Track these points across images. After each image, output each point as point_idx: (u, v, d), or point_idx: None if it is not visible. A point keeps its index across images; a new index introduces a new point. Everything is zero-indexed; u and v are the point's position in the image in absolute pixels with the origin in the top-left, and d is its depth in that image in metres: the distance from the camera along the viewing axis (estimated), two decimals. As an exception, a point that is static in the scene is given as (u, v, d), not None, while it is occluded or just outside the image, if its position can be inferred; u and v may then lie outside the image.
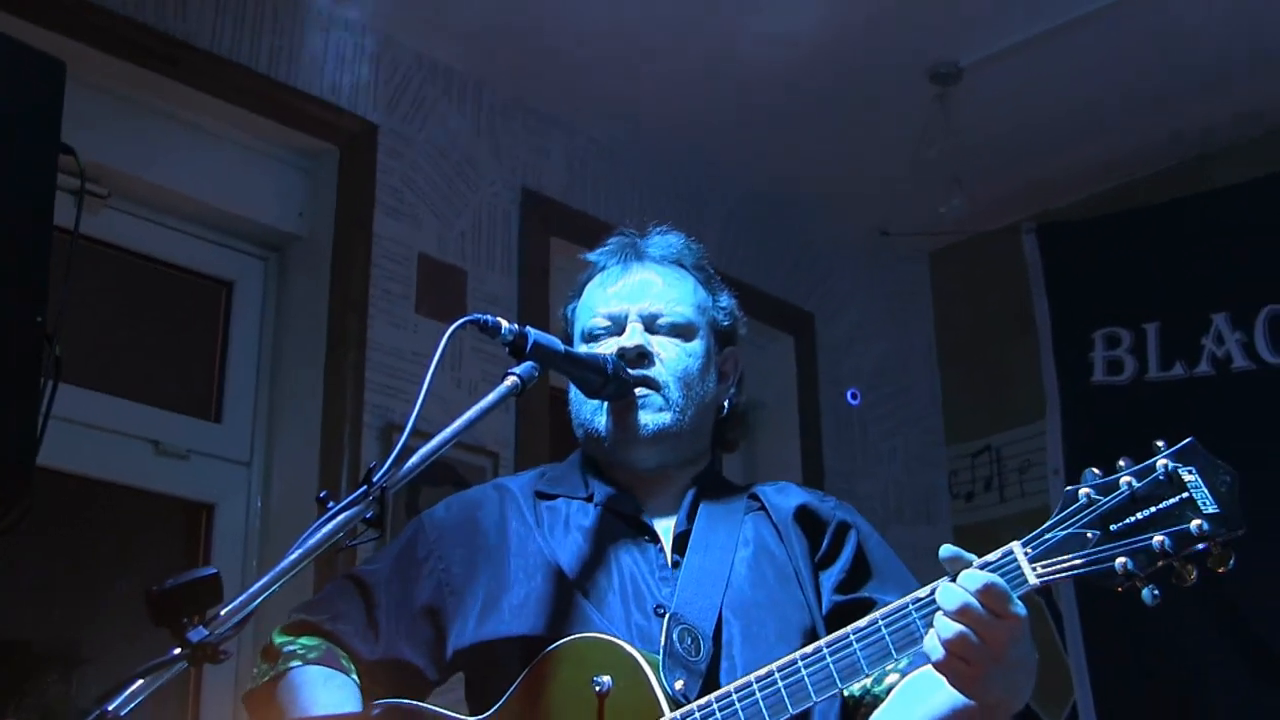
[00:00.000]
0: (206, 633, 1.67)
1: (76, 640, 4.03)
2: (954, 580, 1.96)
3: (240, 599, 1.75)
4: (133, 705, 1.59)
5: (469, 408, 4.37)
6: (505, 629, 2.35)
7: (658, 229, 2.74)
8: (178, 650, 1.68)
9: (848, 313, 6.39)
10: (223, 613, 1.72)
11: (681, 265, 2.68)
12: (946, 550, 2.00)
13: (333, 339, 4.40)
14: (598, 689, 2.16)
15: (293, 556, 1.83)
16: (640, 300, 2.58)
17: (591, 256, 2.73)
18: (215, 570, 1.69)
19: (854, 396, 6.24)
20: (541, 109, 5.24)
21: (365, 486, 1.96)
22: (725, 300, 2.72)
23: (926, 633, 1.98)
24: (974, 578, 1.93)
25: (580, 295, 2.69)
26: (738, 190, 5.84)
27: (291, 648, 2.36)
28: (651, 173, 5.63)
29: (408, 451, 2.07)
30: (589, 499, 2.55)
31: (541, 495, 2.58)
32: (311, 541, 1.86)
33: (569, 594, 2.36)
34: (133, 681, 1.62)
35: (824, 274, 6.33)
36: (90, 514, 4.15)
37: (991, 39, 4.99)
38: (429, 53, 4.89)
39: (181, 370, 4.43)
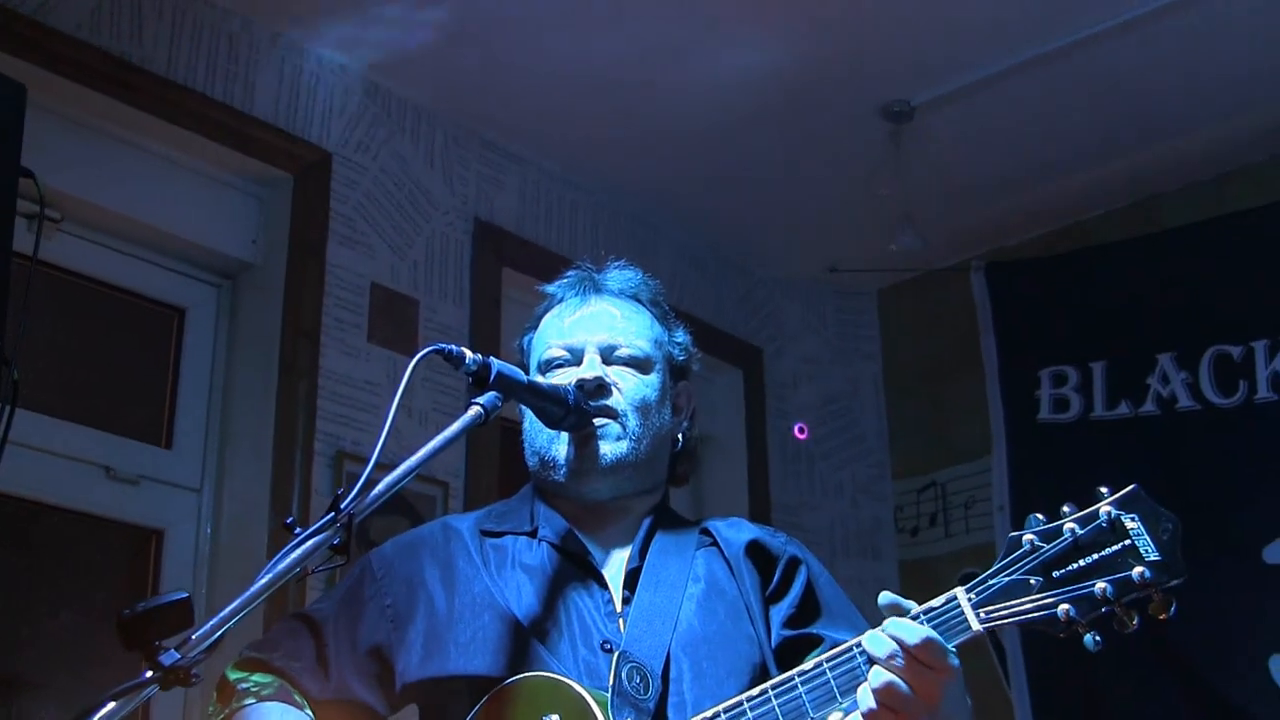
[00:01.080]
0: (178, 656, 1.66)
1: (20, 666, 3.99)
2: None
3: (211, 623, 1.75)
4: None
5: (420, 436, 4.36)
6: (453, 667, 2.35)
7: (615, 263, 2.76)
8: (150, 673, 1.67)
9: (796, 348, 6.43)
10: (194, 637, 1.72)
11: (638, 300, 2.70)
12: (885, 598, 2.02)
13: (285, 366, 4.39)
14: None
15: (263, 581, 1.83)
16: (598, 332, 2.59)
17: (549, 289, 2.74)
18: (187, 594, 1.69)
19: (801, 431, 6.26)
20: (495, 140, 5.26)
21: (333, 513, 1.96)
22: (681, 335, 2.75)
23: None
24: (907, 628, 1.95)
25: (537, 327, 2.70)
26: (689, 224, 5.87)
27: (246, 685, 2.36)
28: (604, 205, 5.66)
29: (370, 480, 2.06)
30: (533, 533, 2.55)
31: (487, 533, 2.58)
32: (281, 566, 1.86)
33: (516, 632, 2.35)
34: (104, 704, 1.61)
35: (773, 309, 6.38)
36: (39, 539, 4.11)
37: (944, 79, 5.04)
38: (384, 82, 4.90)
39: (133, 396, 4.40)
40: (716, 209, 5.82)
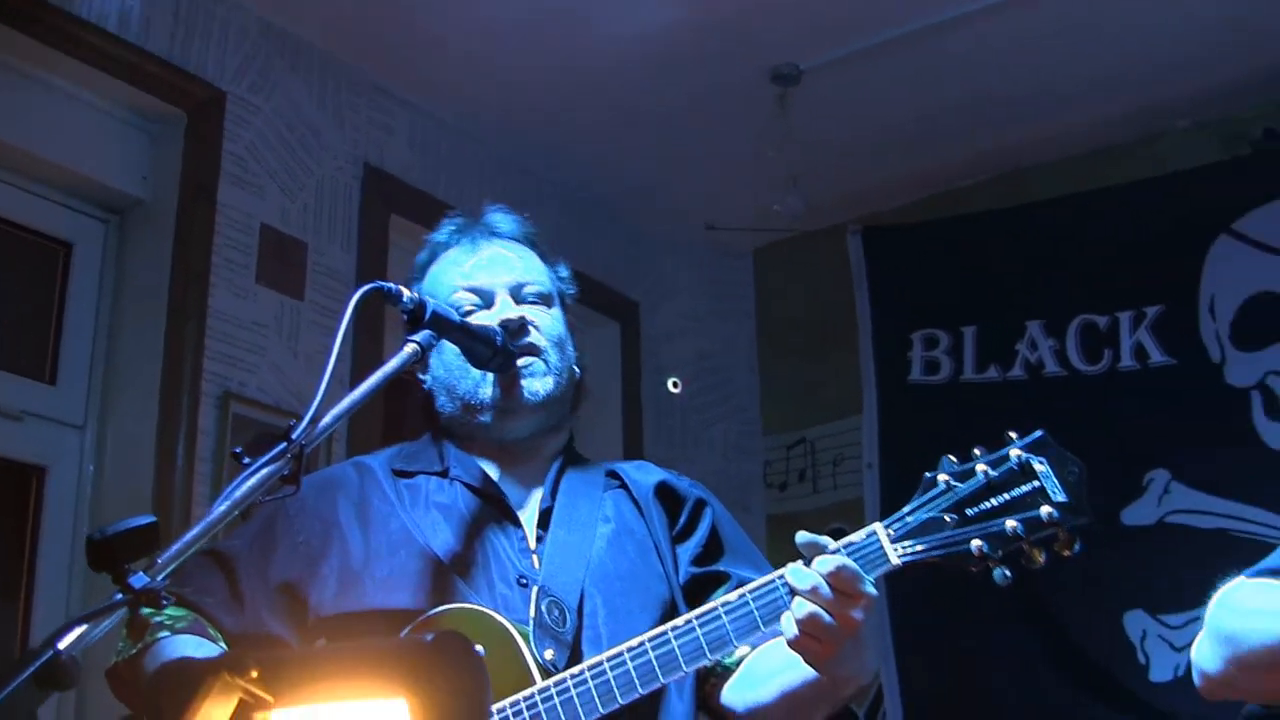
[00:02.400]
0: (147, 579, 1.68)
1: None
2: (808, 564, 2.06)
3: (174, 549, 1.77)
4: (81, 648, 1.60)
5: (307, 377, 4.35)
6: (370, 601, 2.38)
7: (493, 207, 2.80)
8: (120, 595, 1.69)
9: (673, 303, 6.51)
10: (160, 560, 1.74)
11: (526, 241, 2.76)
12: (802, 537, 2.09)
13: (173, 305, 4.35)
14: None
15: (221, 509, 1.86)
16: (502, 274, 2.64)
17: (438, 236, 2.77)
18: (154, 519, 1.70)
19: (675, 385, 6.34)
20: (388, 87, 5.25)
21: (284, 444, 1.98)
22: (564, 271, 2.82)
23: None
24: (826, 560, 2.03)
25: (425, 275, 2.73)
26: (575, 177, 5.90)
27: (159, 619, 2.34)
28: (492, 156, 5.68)
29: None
30: (444, 473, 2.59)
31: (399, 473, 2.62)
32: (237, 495, 1.89)
33: (435, 568, 2.40)
34: (77, 625, 1.63)
35: (652, 264, 6.44)
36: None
37: (833, 45, 5.12)
38: (279, 22, 4.86)
39: (17, 330, 4.32)
40: (602, 163, 5.86)
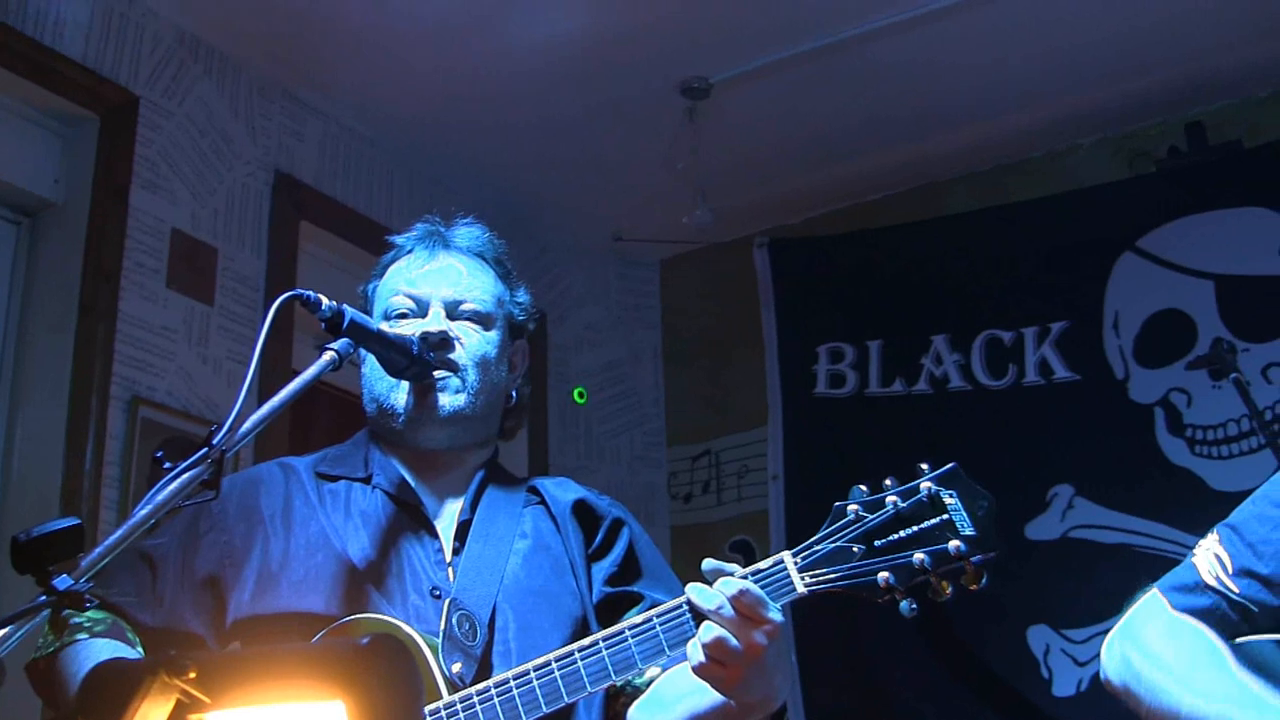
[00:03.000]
0: (71, 581, 1.69)
1: None
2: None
3: (97, 551, 1.79)
4: (5, 650, 1.61)
5: (215, 383, 4.34)
6: (284, 604, 2.39)
7: (463, 220, 2.82)
8: (43, 597, 1.70)
9: (579, 314, 6.54)
10: (84, 563, 1.75)
11: (483, 258, 2.77)
12: (708, 564, 2.11)
13: (84, 308, 4.33)
14: None
15: (143, 512, 1.87)
16: (444, 287, 2.66)
17: (397, 239, 2.79)
18: (79, 520, 1.71)
19: (580, 395, 6.37)
20: (299, 94, 5.26)
21: (206, 449, 2.00)
22: (522, 295, 2.83)
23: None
24: (731, 584, 2.05)
25: (383, 275, 2.76)
26: (483, 187, 5.88)
27: (78, 620, 2.35)
28: (401, 163, 5.70)
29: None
30: (367, 480, 2.61)
31: (323, 476, 2.63)
32: (160, 498, 1.90)
33: (350, 574, 2.42)
34: (1, 627, 1.64)
35: (559, 274, 6.47)
36: None
37: (743, 58, 5.17)
38: (193, 28, 4.85)
39: (-76, 331, 4.30)
40: (511, 172, 5.87)
